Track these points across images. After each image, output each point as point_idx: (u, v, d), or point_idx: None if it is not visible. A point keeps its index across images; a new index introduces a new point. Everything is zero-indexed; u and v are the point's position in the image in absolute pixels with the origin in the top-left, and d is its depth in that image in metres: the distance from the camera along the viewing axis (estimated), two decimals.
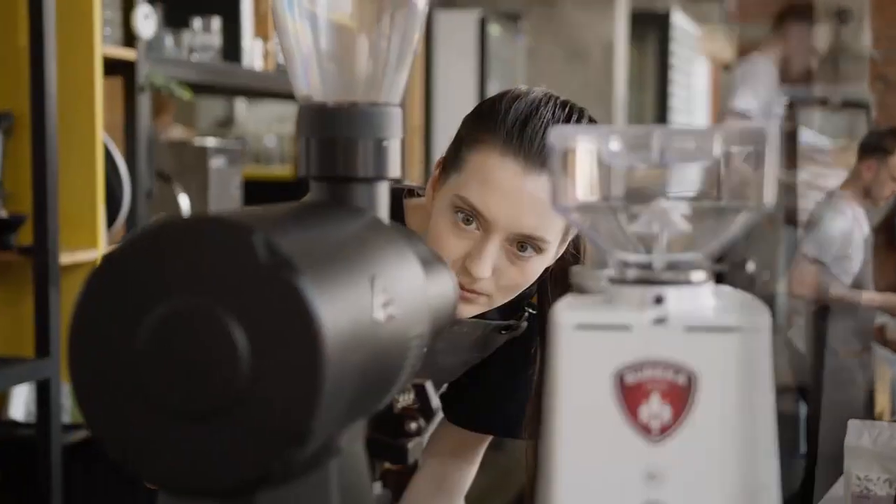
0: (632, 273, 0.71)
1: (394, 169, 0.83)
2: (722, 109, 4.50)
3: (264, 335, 0.61)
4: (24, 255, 2.42)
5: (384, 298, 0.71)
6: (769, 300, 4.54)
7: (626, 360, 0.68)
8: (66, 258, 2.45)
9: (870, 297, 4.38)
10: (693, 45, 8.10)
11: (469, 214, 1.25)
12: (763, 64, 4.36)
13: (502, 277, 1.27)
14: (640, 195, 0.73)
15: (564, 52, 5.41)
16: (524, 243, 1.26)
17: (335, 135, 0.81)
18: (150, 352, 0.62)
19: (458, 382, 1.49)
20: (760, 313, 0.69)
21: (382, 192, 0.83)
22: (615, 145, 0.71)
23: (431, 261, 0.87)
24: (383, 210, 0.83)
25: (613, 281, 0.72)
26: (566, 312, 0.70)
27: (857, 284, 4.35)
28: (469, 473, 1.57)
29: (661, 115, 7.39)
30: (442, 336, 1.40)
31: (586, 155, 0.71)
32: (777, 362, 0.70)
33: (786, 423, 4.23)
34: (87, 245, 2.53)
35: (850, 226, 4.29)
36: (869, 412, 4.49)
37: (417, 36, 0.85)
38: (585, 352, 0.69)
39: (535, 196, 1.23)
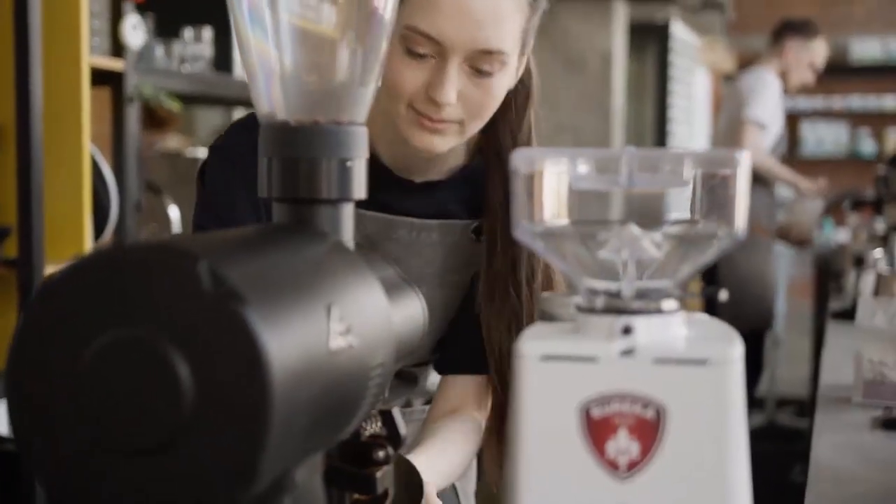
0: (600, 301, 0.69)
1: (359, 190, 0.81)
2: (731, 118, 4.49)
3: (209, 368, 0.58)
4: (8, 268, 2.39)
5: (342, 327, 0.68)
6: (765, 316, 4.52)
7: (593, 393, 0.65)
8: (51, 271, 2.42)
9: (785, 172, 4.54)
10: (693, 55, 8.08)
11: (421, 44, 1.20)
12: (770, 75, 4.41)
13: (468, 101, 1.23)
14: (608, 219, 0.71)
15: (563, 63, 5.39)
16: (483, 61, 1.21)
17: (297, 155, 0.78)
18: (90, 383, 0.59)
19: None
20: (732, 344, 0.67)
21: (347, 214, 0.80)
22: (583, 168, 0.69)
23: (397, 284, 0.84)
24: (347, 232, 0.80)
25: (581, 309, 0.69)
26: (531, 343, 0.67)
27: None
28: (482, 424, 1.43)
29: (661, 125, 7.36)
30: (413, 250, 1.35)
31: (552, 178, 0.69)
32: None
33: None
34: (74, 257, 2.50)
35: (778, 97, 4.43)
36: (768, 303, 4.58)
37: (384, 50, 0.83)
38: (550, 384, 0.66)
39: (485, 7, 1.19)
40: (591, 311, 0.68)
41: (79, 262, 0.60)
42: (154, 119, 3.46)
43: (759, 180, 4.46)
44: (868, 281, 3.00)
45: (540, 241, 0.70)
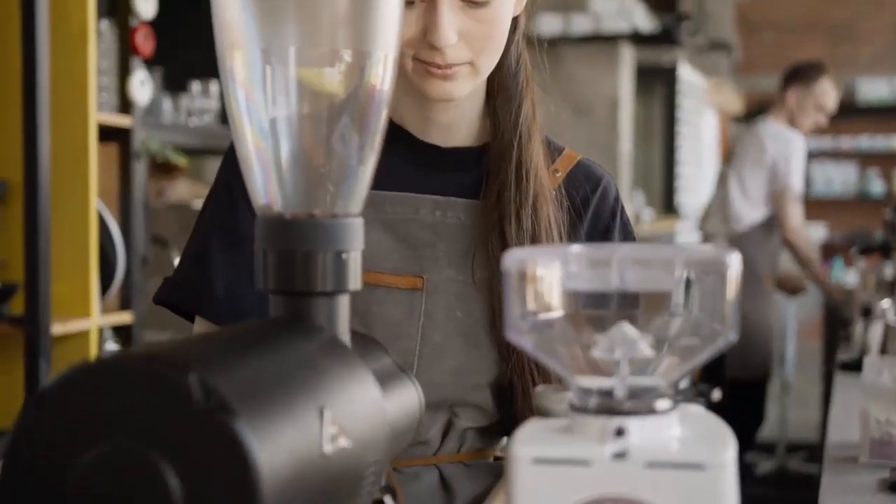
0: (593, 401, 0.68)
1: (355, 281, 0.81)
2: (764, 178, 4.46)
3: (200, 481, 0.58)
4: (15, 325, 2.39)
5: (335, 429, 0.68)
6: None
7: (586, 496, 0.65)
8: (58, 328, 2.43)
9: (815, 266, 4.60)
10: (700, 97, 8.10)
11: None
12: (799, 140, 4.43)
13: (470, 37, 1.16)
14: (600, 318, 0.71)
15: (570, 108, 5.41)
16: None
17: (293, 248, 0.79)
18: (82, 495, 0.59)
19: None
20: (726, 447, 0.66)
21: (343, 306, 0.80)
22: (573, 268, 0.69)
23: (392, 373, 0.84)
24: (343, 324, 0.80)
25: (574, 408, 0.69)
26: (523, 446, 0.67)
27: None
28: None
29: (669, 167, 7.37)
30: (438, 231, 1.22)
31: (543, 278, 0.69)
32: None
33: None
34: (80, 314, 2.51)
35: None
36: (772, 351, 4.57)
37: (378, 143, 0.83)
38: (544, 487, 0.66)
39: None
40: (583, 410, 0.68)
41: (70, 373, 0.60)
42: (162, 165, 3.48)
43: (767, 226, 4.45)
44: (876, 332, 2.98)
45: (531, 339, 0.70)
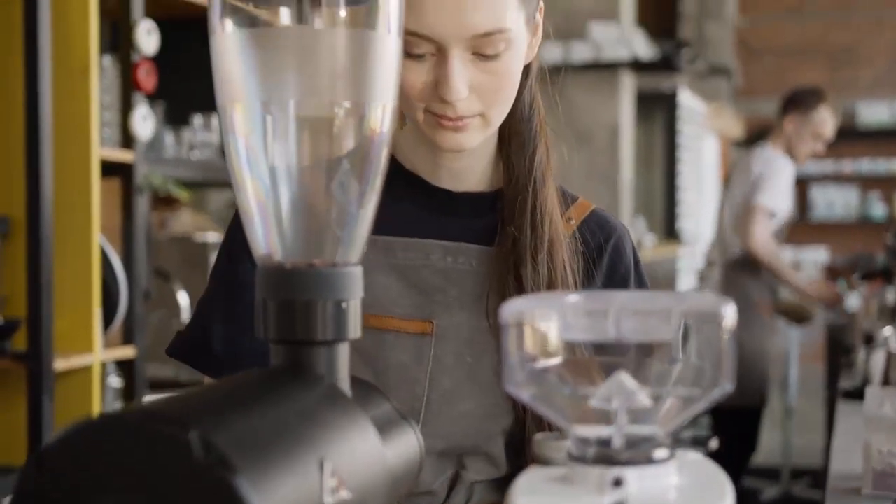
0: (590, 452, 0.69)
1: (354, 329, 0.81)
2: (742, 201, 4.48)
3: None
4: (17, 361, 2.40)
5: (335, 482, 0.68)
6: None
7: None
8: (60, 364, 2.43)
9: (791, 276, 4.55)
10: (701, 122, 8.13)
11: (416, 44, 1.12)
12: (782, 160, 4.44)
13: (482, 90, 1.15)
14: (598, 367, 0.71)
15: (570, 136, 5.43)
16: (485, 45, 1.13)
17: (293, 297, 0.79)
18: None
19: None
20: (724, 496, 0.67)
21: (342, 354, 0.81)
22: (571, 319, 0.69)
23: (392, 420, 0.85)
24: (343, 372, 0.81)
25: (572, 458, 0.70)
26: (523, 496, 0.67)
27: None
28: None
29: (670, 193, 7.39)
30: (449, 277, 1.22)
31: (540, 328, 0.70)
32: None
33: None
34: (83, 349, 2.52)
35: (791, 182, 4.43)
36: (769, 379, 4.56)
37: (377, 191, 0.84)
38: None
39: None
40: (581, 460, 0.69)
41: (70, 431, 0.61)
42: (165, 197, 3.50)
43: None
44: (878, 360, 2.98)
45: (529, 390, 0.70)
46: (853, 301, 5.47)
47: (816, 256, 10.05)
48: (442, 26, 1.11)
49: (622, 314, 0.69)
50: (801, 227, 10.15)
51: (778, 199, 4.37)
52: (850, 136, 9.85)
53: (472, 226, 1.27)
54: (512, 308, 0.70)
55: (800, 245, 10.13)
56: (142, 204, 2.71)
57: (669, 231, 7.35)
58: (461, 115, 1.15)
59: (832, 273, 9.86)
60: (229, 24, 0.79)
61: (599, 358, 0.71)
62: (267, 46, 0.79)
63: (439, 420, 1.22)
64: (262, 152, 0.80)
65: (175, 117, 3.05)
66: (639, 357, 0.71)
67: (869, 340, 3.36)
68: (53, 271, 2.43)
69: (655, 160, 7.38)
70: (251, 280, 1.09)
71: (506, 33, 1.13)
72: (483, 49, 1.13)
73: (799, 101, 4.52)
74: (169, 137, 2.98)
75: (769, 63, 10.07)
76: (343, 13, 0.79)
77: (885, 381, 2.92)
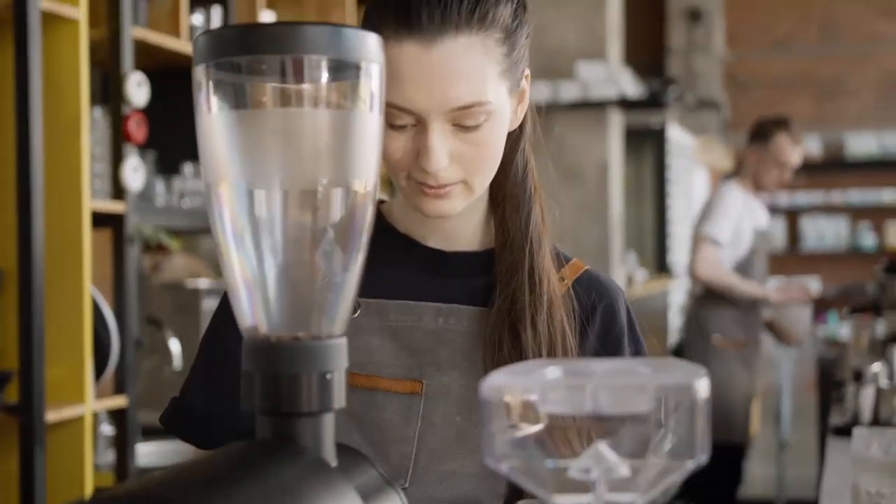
0: None
1: (339, 399, 0.83)
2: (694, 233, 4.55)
3: None
4: (9, 414, 2.41)
5: None
6: None
7: None
8: (52, 415, 2.43)
9: (747, 286, 4.43)
10: (690, 155, 8.18)
11: (397, 116, 1.14)
12: (733, 190, 4.50)
13: (463, 159, 1.16)
14: (577, 439, 0.73)
15: (560, 173, 5.45)
16: (465, 117, 1.14)
17: (279, 370, 0.81)
18: None
19: None
20: None
21: (328, 424, 0.83)
22: (549, 393, 0.71)
23: (378, 487, 0.86)
24: (328, 442, 0.82)
25: None
26: None
27: (740, 274, 4.47)
28: None
29: (660, 227, 7.42)
30: (441, 338, 1.22)
31: (520, 403, 0.71)
32: None
33: None
34: (75, 400, 2.52)
35: (741, 211, 4.42)
36: (745, 415, 4.53)
37: (360, 266, 0.86)
38: None
39: (446, 65, 1.12)
40: None
41: None
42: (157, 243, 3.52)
43: (720, 292, 4.43)
44: (868, 395, 3.00)
45: (509, 462, 0.72)
46: (844, 331, 5.49)
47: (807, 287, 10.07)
48: (421, 100, 1.12)
49: (599, 388, 0.70)
50: (792, 258, 10.19)
51: (722, 226, 4.39)
52: (839, 168, 9.92)
53: (465, 285, 1.28)
54: (492, 382, 0.72)
55: (791, 275, 10.16)
56: (132, 254, 2.73)
57: (660, 265, 7.38)
58: (442, 183, 1.17)
59: (822, 305, 9.91)
60: (215, 105, 0.81)
61: (578, 430, 0.73)
62: (252, 127, 0.82)
63: (427, 479, 1.22)
64: (247, 229, 0.82)
65: (166, 166, 3.07)
66: (616, 428, 0.73)
67: (858, 376, 3.38)
68: (45, 323, 2.44)
69: (645, 195, 7.41)
70: (238, 351, 1.10)
71: (485, 105, 1.14)
72: (463, 121, 1.14)
73: (758, 133, 4.54)
74: (160, 186, 3.00)
75: (757, 96, 10.14)
76: (325, 93, 0.81)
77: (875, 418, 2.93)
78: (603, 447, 0.71)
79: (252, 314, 0.83)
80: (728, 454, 4.43)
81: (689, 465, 0.71)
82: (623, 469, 0.71)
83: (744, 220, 4.47)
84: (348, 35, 0.81)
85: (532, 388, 0.72)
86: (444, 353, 1.25)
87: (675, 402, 0.70)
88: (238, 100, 0.80)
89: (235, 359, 1.13)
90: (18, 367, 2.40)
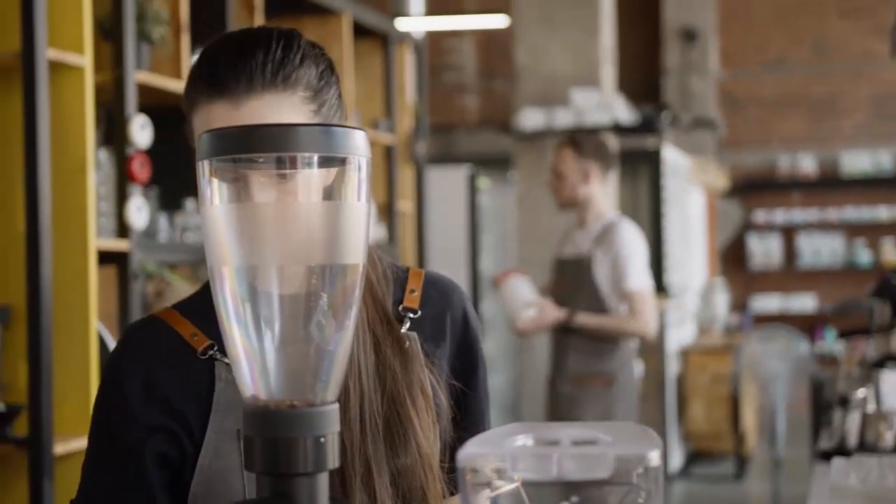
0: None
1: (333, 460, 0.91)
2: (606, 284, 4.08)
3: None
4: (19, 447, 2.49)
5: None
6: None
7: None
8: (60, 448, 2.52)
9: (584, 319, 3.97)
10: (686, 175, 8.26)
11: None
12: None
13: None
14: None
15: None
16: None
17: (277, 435, 0.89)
18: None
19: None
20: None
21: (322, 483, 0.91)
22: (519, 462, 0.79)
23: None
24: (323, 499, 0.91)
25: None
26: None
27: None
28: None
29: (657, 247, 7.49)
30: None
31: (492, 471, 0.80)
32: None
33: None
34: (82, 433, 2.60)
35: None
36: None
37: (350, 337, 0.94)
38: None
39: (258, 118, 1.20)
40: None
41: None
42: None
43: (572, 331, 4.03)
44: (854, 420, 3.07)
45: None
46: (840, 348, 5.56)
47: (804, 304, 10.18)
48: None
49: (564, 458, 0.79)
50: (789, 275, 10.27)
51: (645, 276, 4.11)
52: (834, 185, 10.01)
53: None
54: (466, 453, 0.80)
55: (788, 293, 10.26)
56: (137, 290, 2.82)
57: (658, 286, 7.45)
58: None
59: (819, 321, 9.98)
60: (217, 197, 0.90)
61: (545, 495, 0.81)
62: (250, 217, 0.90)
63: None
64: (248, 308, 0.90)
65: (168, 202, 3.16)
66: (581, 491, 0.81)
67: (844, 401, 3.45)
68: (53, 358, 2.52)
69: (641, 216, 7.49)
70: (134, 446, 1.14)
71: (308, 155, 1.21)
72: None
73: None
74: (163, 221, 3.09)
75: (753, 115, 10.23)
76: (317, 185, 0.90)
77: (861, 443, 3.00)
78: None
79: (252, 384, 0.92)
80: None
81: None
82: None
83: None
84: (337, 133, 0.90)
85: (503, 456, 0.80)
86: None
87: (633, 469, 0.79)
88: (238, 193, 0.89)
89: (135, 456, 1.17)
90: (27, 402, 2.49)
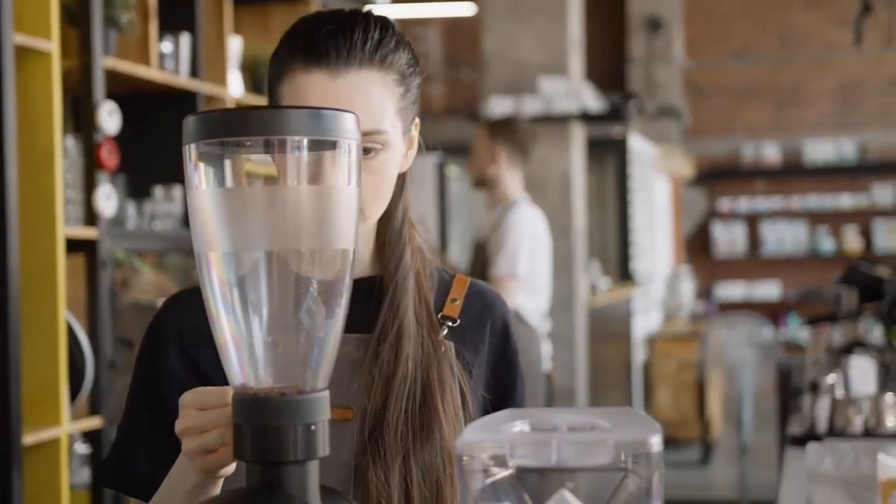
0: None
1: (323, 448, 0.90)
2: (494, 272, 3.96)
3: None
4: None
5: None
6: None
7: None
8: (29, 438, 2.49)
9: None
10: (652, 163, 8.29)
11: None
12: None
13: (361, 185, 1.20)
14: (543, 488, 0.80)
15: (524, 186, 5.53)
16: (364, 142, 1.16)
17: (266, 423, 0.88)
18: None
19: None
20: None
21: (312, 471, 0.90)
22: (518, 448, 0.78)
23: None
24: (313, 487, 0.89)
25: None
26: None
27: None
28: None
29: (623, 235, 7.52)
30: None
31: (491, 457, 0.78)
32: None
33: None
34: (51, 422, 2.57)
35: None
36: None
37: (340, 326, 0.93)
38: None
39: (354, 92, 1.21)
40: None
41: None
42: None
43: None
44: (824, 406, 3.09)
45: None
46: (804, 334, 5.60)
47: (768, 291, 10.26)
48: None
49: (563, 444, 0.78)
50: (754, 263, 10.34)
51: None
52: (798, 174, 10.08)
53: (357, 312, 1.29)
54: (464, 440, 0.79)
55: (752, 280, 10.33)
56: (105, 278, 2.78)
57: (623, 273, 7.48)
58: None
59: (783, 308, 10.06)
60: (203, 181, 0.88)
61: (543, 480, 0.80)
62: (237, 201, 0.89)
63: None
64: (236, 295, 0.89)
65: (137, 189, 3.13)
66: (579, 477, 0.80)
67: (815, 387, 3.47)
68: (21, 347, 2.49)
69: (608, 204, 7.51)
70: (172, 399, 1.14)
71: (383, 135, 1.23)
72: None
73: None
74: (131, 209, 3.05)
75: (717, 104, 10.28)
76: (306, 169, 0.88)
77: (831, 428, 3.02)
78: (567, 494, 0.79)
79: (241, 372, 0.90)
80: None
81: None
82: None
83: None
84: (326, 116, 0.88)
85: (502, 443, 0.79)
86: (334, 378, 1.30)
87: (633, 455, 0.78)
88: (224, 177, 0.87)
89: (171, 406, 1.16)
90: None
